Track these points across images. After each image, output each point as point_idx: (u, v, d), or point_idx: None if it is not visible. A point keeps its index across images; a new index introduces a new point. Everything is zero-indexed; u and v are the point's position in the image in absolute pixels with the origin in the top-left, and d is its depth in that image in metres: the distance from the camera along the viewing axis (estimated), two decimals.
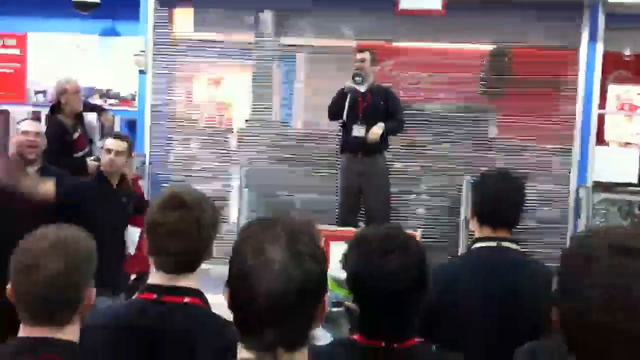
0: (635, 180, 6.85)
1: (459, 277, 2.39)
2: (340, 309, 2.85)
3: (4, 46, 7.60)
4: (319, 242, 1.31)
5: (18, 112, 4.52)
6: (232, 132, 7.56)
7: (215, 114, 7.63)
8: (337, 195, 6.26)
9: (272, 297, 1.21)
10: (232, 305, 1.29)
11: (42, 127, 4.53)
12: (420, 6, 6.63)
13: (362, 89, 5.84)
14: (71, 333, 1.61)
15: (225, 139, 7.44)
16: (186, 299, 1.83)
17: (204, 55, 7.39)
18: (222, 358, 1.60)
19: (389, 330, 1.76)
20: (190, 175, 7.20)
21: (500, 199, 2.43)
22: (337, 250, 3.29)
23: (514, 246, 2.43)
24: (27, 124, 4.45)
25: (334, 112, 5.98)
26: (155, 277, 1.88)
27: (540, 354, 1.67)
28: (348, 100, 5.82)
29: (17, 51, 7.58)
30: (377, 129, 5.74)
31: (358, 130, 5.83)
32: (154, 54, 7.25)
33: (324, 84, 7.11)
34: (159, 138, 7.33)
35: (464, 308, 2.32)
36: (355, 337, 1.82)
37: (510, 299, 2.30)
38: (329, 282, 2.86)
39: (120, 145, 4.26)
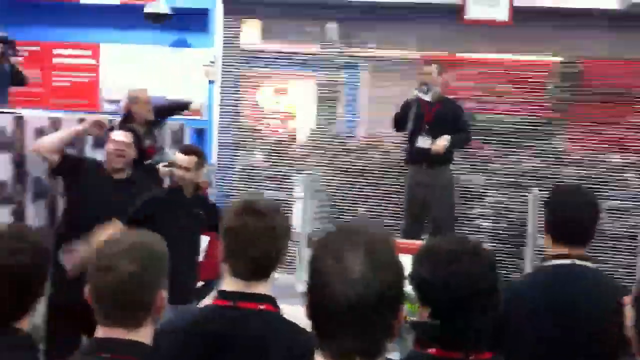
0: None
1: (531, 295, 2.37)
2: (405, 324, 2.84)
3: (78, 56, 7.88)
4: (396, 254, 1.33)
5: (33, 116, 4.63)
6: (296, 141, 7.64)
7: (280, 123, 7.72)
8: (401, 207, 6.24)
9: (350, 304, 1.24)
10: (310, 312, 1.32)
11: (131, 138, 4.63)
12: (486, 16, 6.56)
13: (427, 98, 5.81)
14: (144, 335, 1.65)
15: (290, 149, 7.52)
16: (261, 306, 1.86)
17: (270, 66, 7.50)
18: None
19: (465, 340, 1.76)
20: (255, 184, 7.30)
21: (575, 216, 2.40)
22: (403, 263, 3.29)
23: (589, 264, 2.39)
24: (118, 134, 4.55)
25: (400, 122, 5.97)
26: (229, 284, 1.90)
27: None
28: (413, 110, 5.80)
29: (91, 61, 7.85)
30: (443, 141, 5.70)
31: (423, 142, 5.80)
32: (222, 65, 7.39)
33: (387, 95, 7.12)
34: (225, 147, 7.46)
35: (536, 327, 2.29)
36: (431, 350, 1.82)
37: (585, 318, 2.27)
38: None
39: (188, 160, 4.32)
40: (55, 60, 7.93)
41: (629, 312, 1.92)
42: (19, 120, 4.48)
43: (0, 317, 1.80)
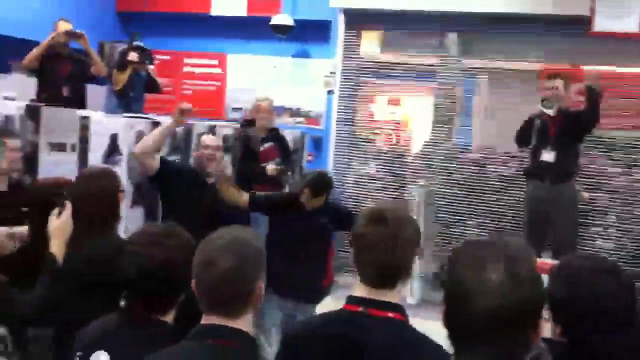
0: None
1: None
2: None
3: (207, 65, 8.29)
4: (535, 267, 1.35)
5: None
6: (410, 152, 7.69)
7: (395, 134, 7.79)
8: (514, 223, 6.14)
9: (489, 315, 1.27)
10: (447, 322, 1.35)
11: (220, 141, 4.90)
12: (615, 28, 6.35)
13: (551, 113, 5.68)
14: (244, 323, 1.77)
15: (403, 160, 7.58)
16: (390, 314, 1.88)
17: (388, 77, 7.59)
18: None
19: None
20: (369, 194, 7.39)
21: None
22: None
23: None
24: (208, 139, 4.73)
25: (523, 137, 5.86)
26: (358, 289, 1.94)
27: None
28: (537, 124, 5.71)
29: (218, 70, 8.23)
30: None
31: (548, 155, 5.66)
32: (341, 75, 7.56)
33: (506, 107, 7.04)
34: (341, 156, 7.61)
35: None
36: None
37: None
38: None
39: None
40: (185, 69, 8.38)
41: None
42: (155, 126, 4.78)
43: (153, 310, 2.00)
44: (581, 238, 6.39)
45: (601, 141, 6.59)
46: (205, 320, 1.77)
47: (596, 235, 6.59)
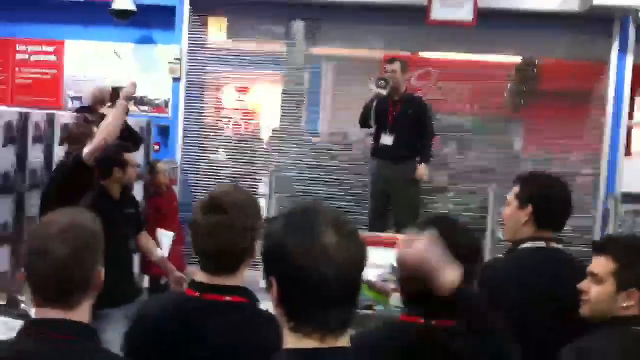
0: None
1: (513, 275, 2.49)
2: (369, 311, 2.94)
3: (42, 52, 7.82)
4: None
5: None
6: (261, 140, 7.71)
7: (244, 121, 7.77)
8: (366, 202, 6.37)
9: (332, 282, 1.28)
10: (283, 295, 1.34)
11: None
12: (451, 17, 6.70)
13: (384, 92, 5.93)
14: (82, 314, 1.66)
15: (254, 147, 7.59)
16: (227, 298, 1.89)
17: (236, 64, 7.54)
18: (266, 355, 1.69)
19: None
20: (220, 181, 7.33)
21: (562, 204, 2.56)
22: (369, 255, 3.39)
23: (561, 246, 2.57)
24: None
25: (363, 120, 6.15)
26: (200, 276, 1.95)
27: (588, 354, 1.72)
28: (374, 107, 5.98)
29: (54, 58, 7.79)
30: (424, 170, 6.00)
31: (387, 139, 5.97)
32: (187, 62, 7.41)
33: (351, 93, 7.24)
34: (190, 144, 7.48)
35: (517, 303, 2.39)
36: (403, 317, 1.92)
37: (563, 295, 2.40)
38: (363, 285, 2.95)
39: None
40: (18, 57, 7.86)
41: (596, 289, 2.17)
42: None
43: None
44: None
45: (439, 125, 6.94)
46: (38, 313, 1.65)
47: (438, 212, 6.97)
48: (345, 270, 1.29)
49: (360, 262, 1.32)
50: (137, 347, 1.92)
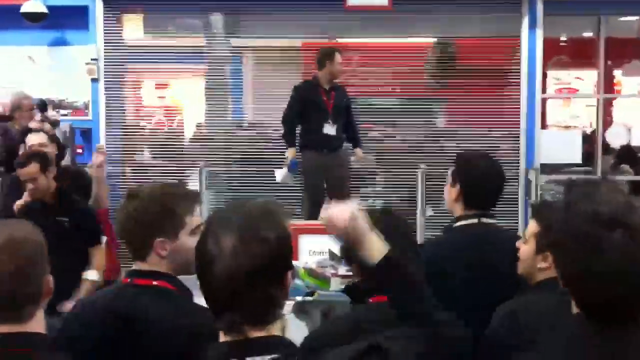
0: (579, 161, 7.18)
1: (449, 252, 2.61)
2: (311, 298, 3.00)
3: None
4: (279, 226, 1.42)
5: None
6: (186, 136, 7.65)
7: (167, 118, 7.69)
8: (295, 191, 6.41)
9: (222, 281, 1.35)
10: (201, 289, 1.43)
11: None
12: (368, 2, 6.81)
13: (327, 87, 6.01)
14: (37, 324, 1.63)
15: (180, 143, 7.52)
16: (155, 282, 1.96)
17: (155, 60, 7.44)
18: (193, 340, 1.75)
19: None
20: (146, 181, 7.23)
21: (489, 182, 2.66)
22: (307, 243, 3.46)
23: (492, 221, 2.68)
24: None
25: (295, 113, 6.09)
26: (135, 264, 2.05)
27: (520, 312, 1.81)
28: (303, 99, 6.01)
29: None
30: (362, 153, 6.20)
31: (329, 129, 6.00)
32: (105, 62, 7.26)
33: (273, 84, 7.26)
34: (114, 145, 7.33)
35: (454, 277, 2.53)
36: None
37: (494, 266, 2.55)
38: (302, 272, 3.01)
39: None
40: None
41: (523, 248, 2.31)
42: None
43: None
44: (357, 197, 6.83)
45: (365, 108, 7.05)
46: None
47: (368, 195, 7.09)
48: (232, 274, 1.35)
49: (252, 268, 1.36)
50: (74, 332, 1.97)
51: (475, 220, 2.64)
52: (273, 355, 1.35)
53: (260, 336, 1.38)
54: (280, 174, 6.10)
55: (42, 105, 6.28)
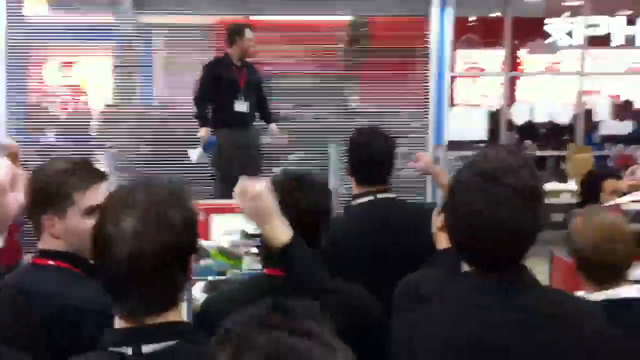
0: (485, 138, 7.44)
1: (350, 229, 2.62)
2: (223, 277, 2.99)
3: None
4: (185, 207, 1.38)
5: None
6: (93, 116, 7.43)
7: (73, 98, 7.45)
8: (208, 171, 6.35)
9: (124, 265, 1.30)
10: (99, 276, 1.39)
11: None
12: None
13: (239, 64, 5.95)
14: None
15: (87, 124, 7.31)
16: (51, 262, 1.90)
17: (60, 38, 7.17)
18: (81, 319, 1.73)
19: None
20: None
21: (374, 156, 2.67)
22: (219, 222, 3.43)
23: (391, 195, 2.70)
24: None
25: (206, 91, 5.99)
26: None
27: (423, 282, 1.88)
28: (212, 77, 5.92)
29: None
30: (276, 129, 6.18)
31: (240, 106, 5.92)
32: (6, 40, 6.92)
33: (185, 63, 7.14)
34: (16, 128, 7.00)
35: (358, 253, 2.56)
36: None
37: (395, 240, 2.58)
38: (213, 251, 2.99)
39: None
40: None
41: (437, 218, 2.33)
42: None
43: None
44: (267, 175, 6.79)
45: (275, 87, 7.03)
46: None
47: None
48: (132, 258, 1.31)
49: (153, 252, 1.32)
50: None
51: (371, 198, 2.65)
52: (169, 342, 1.32)
53: (157, 322, 1.34)
54: (194, 154, 6.01)
55: None
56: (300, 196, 1.93)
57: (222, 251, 3.01)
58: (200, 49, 7.10)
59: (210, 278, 2.93)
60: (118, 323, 1.36)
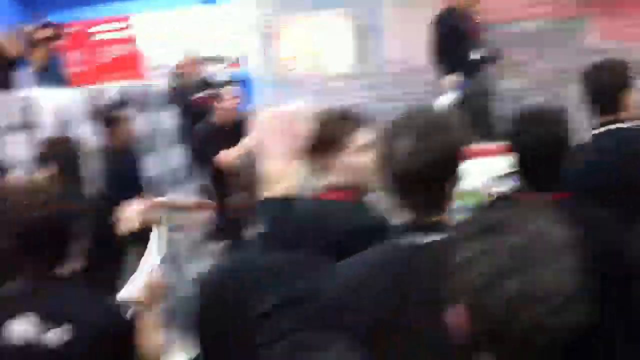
0: None
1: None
2: None
3: (114, 30, 8.14)
4: (453, 135, 1.65)
5: None
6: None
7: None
8: None
9: (403, 175, 1.64)
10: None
11: None
12: None
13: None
14: None
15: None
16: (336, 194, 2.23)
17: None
18: None
19: None
20: None
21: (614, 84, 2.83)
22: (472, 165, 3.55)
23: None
24: None
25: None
26: None
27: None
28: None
29: (126, 33, 8.09)
30: None
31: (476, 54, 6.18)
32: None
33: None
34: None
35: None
36: None
37: None
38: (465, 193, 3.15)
39: None
40: (93, 38, 8.22)
41: None
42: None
43: None
44: None
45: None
46: None
47: None
48: (406, 172, 1.59)
49: (425, 164, 1.59)
50: None
51: (615, 126, 2.82)
52: (443, 235, 1.58)
53: (435, 220, 1.63)
54: (445, 100, 5.96)
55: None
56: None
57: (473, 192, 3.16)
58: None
59: None
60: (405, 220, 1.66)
